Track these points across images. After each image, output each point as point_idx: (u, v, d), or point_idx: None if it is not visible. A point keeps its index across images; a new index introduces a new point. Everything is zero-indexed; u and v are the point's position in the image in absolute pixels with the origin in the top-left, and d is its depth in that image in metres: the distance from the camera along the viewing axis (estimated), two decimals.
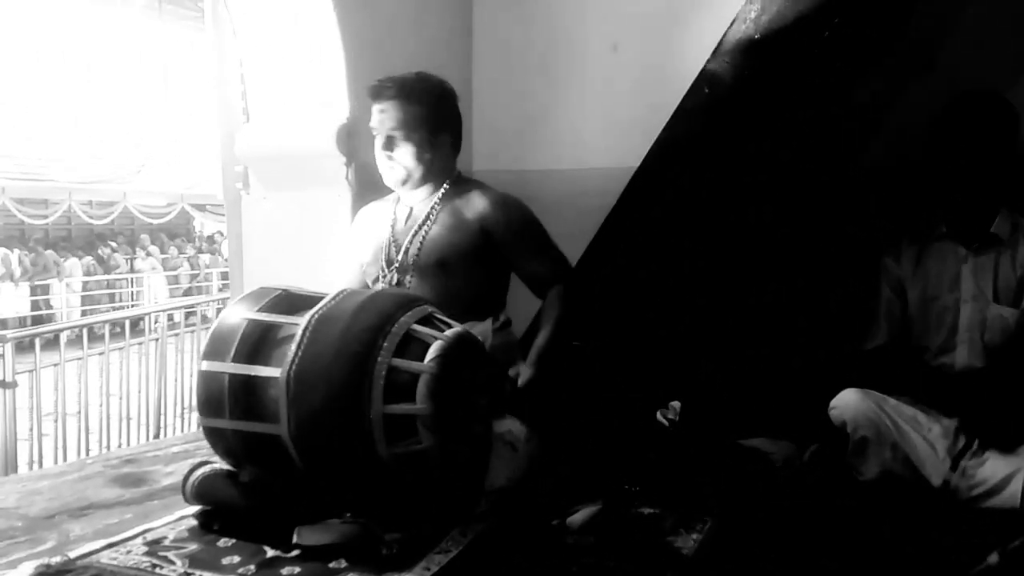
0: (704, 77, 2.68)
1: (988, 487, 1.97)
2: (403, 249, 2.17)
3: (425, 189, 2.21)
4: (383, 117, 2.14)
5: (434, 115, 2.14)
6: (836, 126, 2.84)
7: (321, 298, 1.85)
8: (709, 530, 1.82)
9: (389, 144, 2.15)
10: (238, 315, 1.86)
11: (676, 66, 2.82)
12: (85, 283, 13.87)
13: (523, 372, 2.00)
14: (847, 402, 2.12)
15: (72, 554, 1.67)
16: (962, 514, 1.96)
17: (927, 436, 2.06)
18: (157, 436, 4.96)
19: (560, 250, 2.23)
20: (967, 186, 2.16)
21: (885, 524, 1.91)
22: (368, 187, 2.49)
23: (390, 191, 2.30)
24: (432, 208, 2.18)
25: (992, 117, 2.12)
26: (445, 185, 2.20)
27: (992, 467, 1.97)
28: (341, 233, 2.47)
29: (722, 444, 2.29)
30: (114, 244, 15.51)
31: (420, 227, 2.17)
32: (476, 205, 2.16)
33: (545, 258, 2.18)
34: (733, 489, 2.08)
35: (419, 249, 2.15)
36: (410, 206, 2.23)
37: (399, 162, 2.16)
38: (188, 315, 6.20)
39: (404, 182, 2.19)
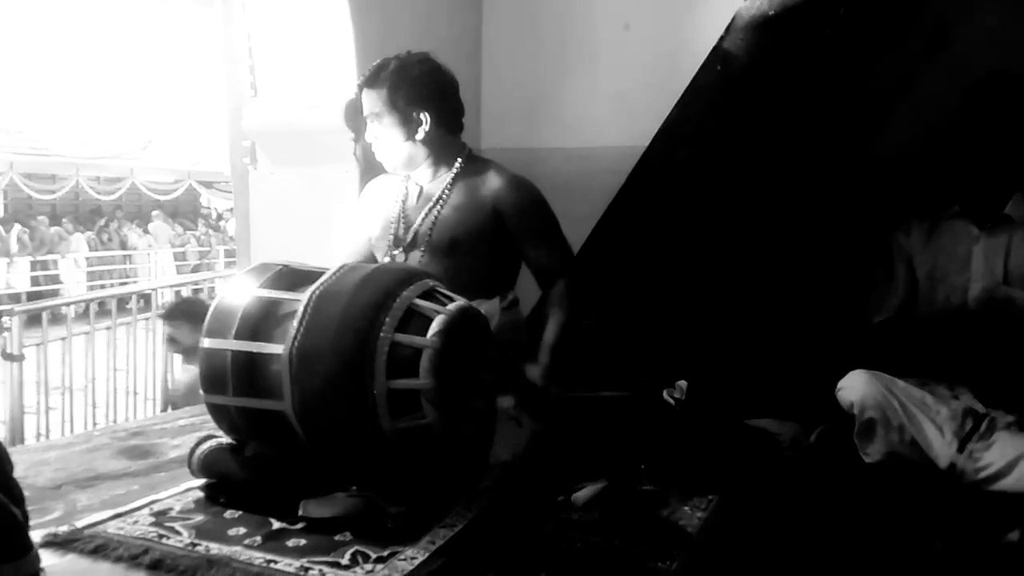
0: (717, 55, 2.66)
1: (994, 470, 1.97)
2: (413, 228, 2.16)
3: (432, 169, 2.20)
4: (364, 102, 2.16)
5: (404, 95, 2.11)
6: (849, 106, 2.82)
7: (322, 273, 1.84)
8: (714, 509, 1.82)
9: (369, 131, 2.18)
10: (239, 291, 1.85)
11: (688, 45, 2.80)
12: (88, 259, 13.89)
13: (534, 371, 2.01)
14: (855, 384, 2.12)
15: (79, 524, 1.68)
16: (968, 496, 1.95)
17: (935, 418, 2.06)
18: (164, 411, 4.98)
19: (567, 243, 2.21)
20: (985, 166, 2.14)
21: (891, 505, 1.91)
22: (376, 163, 2.47)
23: None
24: (445, 188, 2.16)
25: (1014, 98, 2.10)
26: (457, 164, 2.18)
27: (999, 450, 1.97)
28: (348, 208, 2.47)
29: (729, 424, 2.29)
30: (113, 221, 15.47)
31: (432, 206, 2.15)
32: (491, 184, 2.14)
33: (553, 248, 2.17)
34: (738, 468, 2.07)
35: (431, 228, 2.14)
36: (420, 184, 2.22)
37: (381, 147, 2.18)
38: (196, 292, 6.21)
39: (396, 165, 2.20)
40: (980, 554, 1.63)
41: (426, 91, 2.14)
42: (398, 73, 2.12)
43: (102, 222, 15.04)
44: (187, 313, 3.88)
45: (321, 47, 2.72)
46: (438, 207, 2.15)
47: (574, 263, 2.22)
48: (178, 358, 4.87)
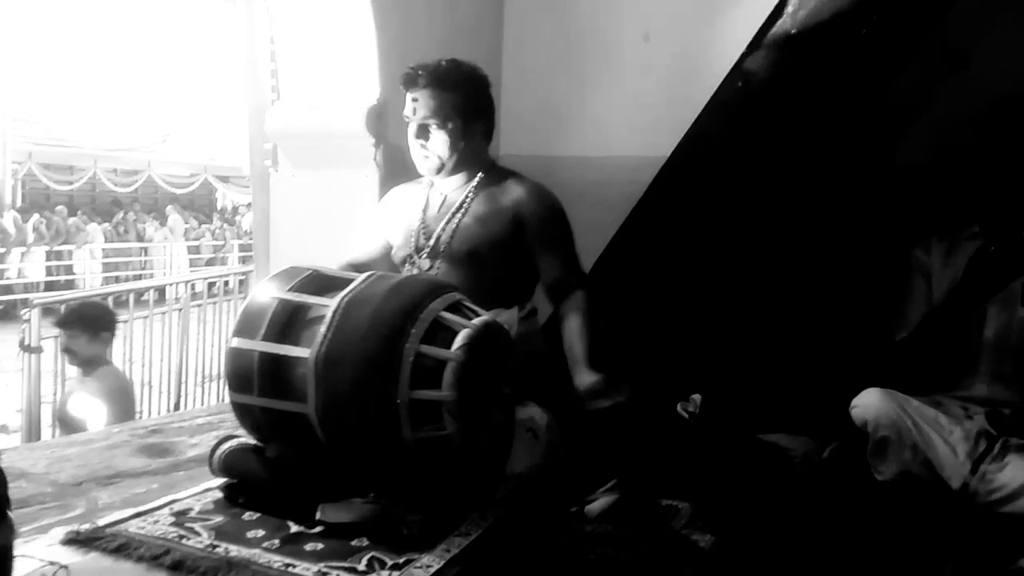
0: (738, 71, 2.66)
1: (1007, 492, 1.97)
2: (435, 236, 2.16)
3: (459, 177, 2.20)
4: (416, 105, 2.11)
5: (468, 103, 2.12)
6: (869, 124, 2.82)
7: (350, 280, 1.87)
8: (727, 524, 1.84)
9: (423, 132, 2.13)
10: (269, 294, 1.88)
11: (708, 58, 2.80)
12: (104, 251, 13.96)
13: (585, 380, 1.95)
14: (869, 402, 2.13)
15: (101, 522, 1.71)
16: (980, 518, 1.96)
17: (948, 439, 2.06)
18: (178, 405, 5.03)
19: (579, 259, 2.19)
20: (1003, 189, 2.14)
21: (902, 524, 1.92)
22: (396, 169, 2.50)
23: (419, 174, 2.30)
24: (467, 197, 2.17)
25: None
26: (480, 174, 2.19)
27: (1012, 472, 1.97)
28: (368, 212, 2.49)
29: (742, 439, 2.30)
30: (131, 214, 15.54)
31: (453, 215, 2.16)
32: (513, 193, 2.15)
33: (568, 262, 2.15)
34: (751, 483, 2.09)
35: (451, 237, 2.14)
36: (444, 193, 2.22)
37: (433, 151, 2.14)
38: (210, 286, 6.25)
39: (438, 171, 2.17)
40: None
41: (485, 102, 2.16)
42: (468, 80, 2.11)
43: (120, 215, 15.11)
44: (84, 320, 3.68)
45: (344, 53, 2.75)
46: (460, 216, 2.15)
47: (587, 280, 2.20)
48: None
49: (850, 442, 2.19)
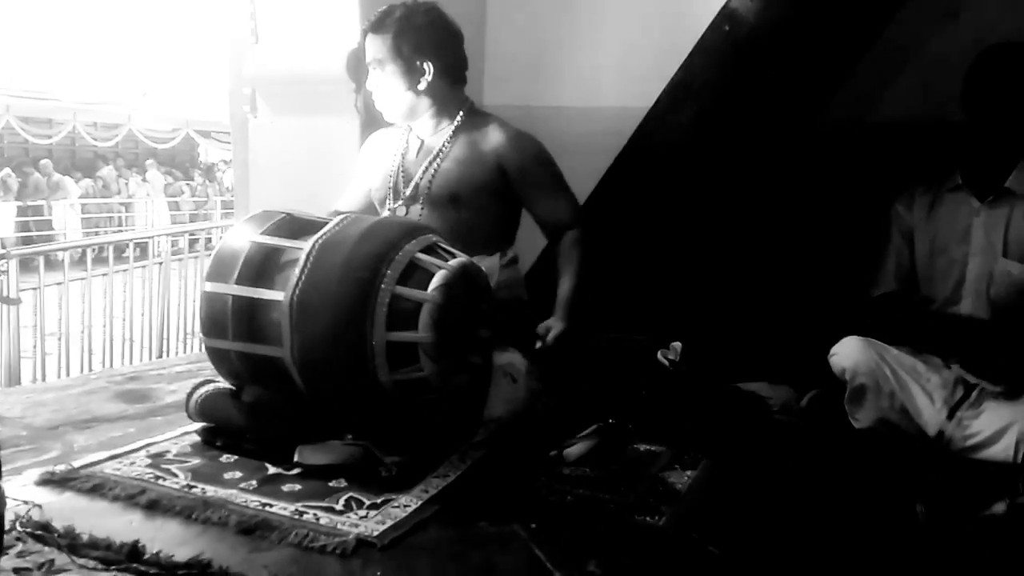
0: (724, 15, 2.63)
1: (982, 438, 1.98)
2: (414, 181, 2.14)
3: (435, 121, 2.17)
4: (365, 54, 2.14)
5: (408, 43, 2.09)
6: (856, 74, 2.79)
7: (325, 223, 1.85)
8: (703, 468, 1.85)
9: (371, 79, 2.15)
10: (242, 237, 1.86)
11: (694, 5, 2.76)
12: (84, 205, 13.76)
13: (554, 326, 2.01)
14: (847, 350, 2.13)
15: (76, 463, 1.70)
16: (953, 463, 1.98)
17: (925, 386, 2.08)
18: (160, 358, 5.00)
19: (574, 195, 2.21)
20: (988, 138, 2.13)
21: (877, 470, 1.94)
22: (377, 116, 2.45)
23: None
24: (445, 141, 2.15)
25: (1019, 70, 2.08)
26: (459, 117, 2.16)
27: (988, 419, 1.99)
28: (354, 160, 2.45)
29: (721, 386, 2.31)
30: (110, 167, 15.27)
31: (432, 160, 2.14)
32: (493, 139, 2.13)
33: (560, 200, 2.16)
34: (729, 430, 2.10)
35: (430, 182, 2.12)
36: (421, 138, 2.20)
37: (382, 95, 2.15)
38: (192, 242, 6.20)
39: (397, 115, 2.17)
40: (963, 522, 1.65)
41: (431, 40, 2.11)
42: (404, 20, 2.09)
43: (104, 169, 14.87)
44: None
45: None
46: (438, 160, 2.13)
47: (582, 214, 2.21)
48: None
49: (829, 390, 2.20)
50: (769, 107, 2.74)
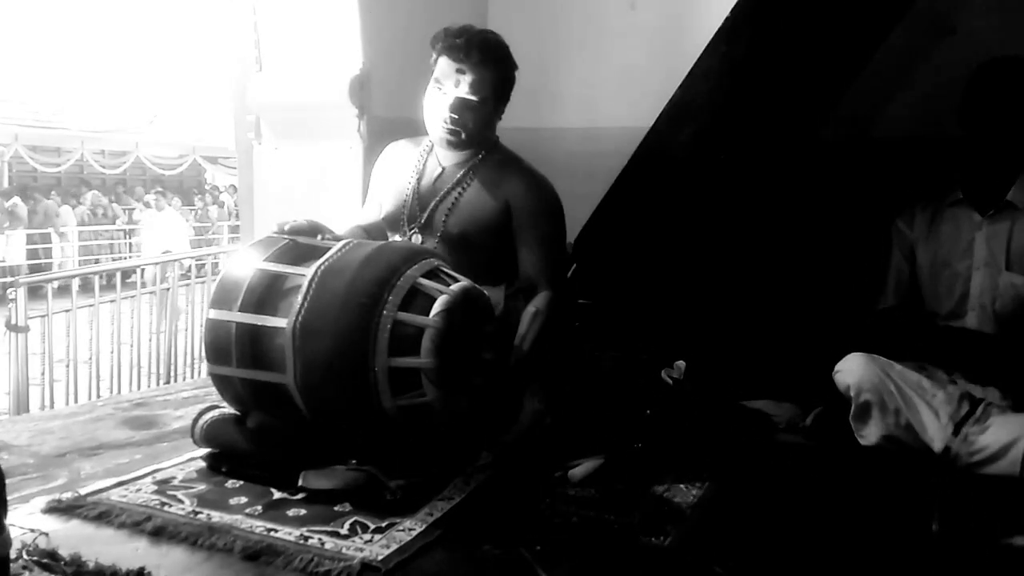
0: (722, 35, 2.65)
1: (988, 454, 1.97)
2: (428, 211, 2.12)
3: (465, 152, 2.14)
4: (461, 78, 2.03)
5: (507, 82, 2.09)
6: (856, 90, 2.81)
7: (327, 248, 1.86)
8: (708, 487, 1.84)
9: (460, 106, 2.04)
10: (245, 264, 1.87)
11: (693, 26, 2.79)
12: (81, 233, 13.75)
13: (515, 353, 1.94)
14: (852, 366, 2.13)
15: (83, 491, 1.70)
16: (961, 479, 1.96)
17: (931, 402, 2.07)
18: (167, 384, 5.01)
19: (562, 259, 2.18)
20: (988, 152, 2.14)
21: (886, 487, 1.92)
22: (380, 139, 2.48)
23: (407, 136, 2.25)
24: (465, 175, 2.12)
25: (1017, 83, 2.09)
26: (483, 152, 2.13)
27: (994, 434, 1.98)
28: (351, 184, 2.47)
29: (726, 405, 2.30)
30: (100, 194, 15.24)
31: (448, 193, 2.11)
32: (511, 181, 2.09)
33: (546, 262, 2.09)
34: (734, 448, 2.09)
35: (445, 216, 2.09)
36: (443, 165, 2.15)
37: (463, 126, 2.06)
38: (199, 266, 6.22)
39: (458, 145, 2.10)
40: (984, 550, 1.63)
41: (513, 82, 2.13)
42: (509, 58, 2.08)
43: (88, 195, 14.89)
44: None
45: (326, 22, 2.72)
46: (456, 193, 2.11)
47: (562, 279, 2.17)
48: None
49: (834, 408, 2.20)
50: (767, 125, 2.75)
